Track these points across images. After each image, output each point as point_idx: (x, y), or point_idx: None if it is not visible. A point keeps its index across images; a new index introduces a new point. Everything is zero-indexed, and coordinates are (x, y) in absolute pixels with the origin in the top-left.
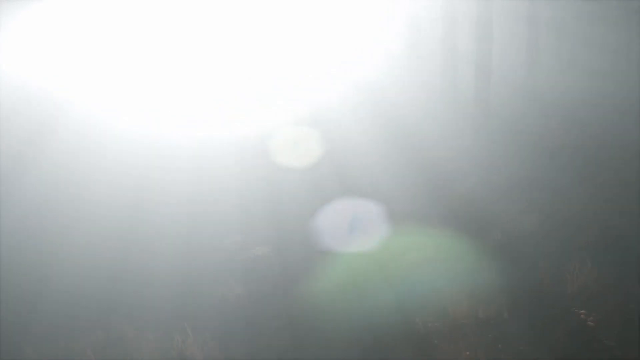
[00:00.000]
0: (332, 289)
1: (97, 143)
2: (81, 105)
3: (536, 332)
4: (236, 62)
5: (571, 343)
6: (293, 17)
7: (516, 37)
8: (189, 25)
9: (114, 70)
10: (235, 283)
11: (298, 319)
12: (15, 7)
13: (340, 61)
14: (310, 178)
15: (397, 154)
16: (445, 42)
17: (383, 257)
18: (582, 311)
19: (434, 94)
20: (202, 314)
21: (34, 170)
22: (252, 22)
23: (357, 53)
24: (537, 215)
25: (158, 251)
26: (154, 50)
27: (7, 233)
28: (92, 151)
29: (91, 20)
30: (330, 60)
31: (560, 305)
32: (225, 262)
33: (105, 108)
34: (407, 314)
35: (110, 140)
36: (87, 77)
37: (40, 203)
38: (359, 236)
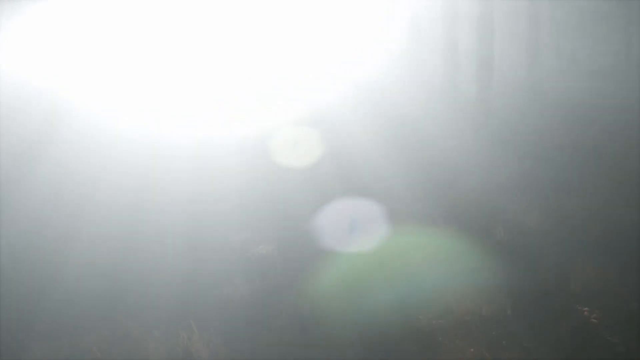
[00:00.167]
0: (336, 287)
1: (99, 143)
2: (82, 105)
3: (540, 329)
4: (236, 62)
5: (574, 340)
6: (293, 17)
7: (516, 36)
8: (190, 26)
9: (115, 70)
10: (239, 281)
11: (302, 317)
12: (15, 7)
13: (341, 61)
14: (311, 178)
15: (398, 154)
16: (446, 42)
17: (385, 256)
18: (585, 308)
19: (434, 94)
20: (207, 311)
21: (36, 170)
22: (252, 22)
23: (357, 53)
24: (538, 214)
25: (161, 250)
26: (155, 50)
27: (10, 231)
28: (93, 151)
29: (92, 20)
30: (330, 60)
31: (563, 302)
32: (228, 260)
33: (106, 108)
34: (411, 312)
35: (112, 140)
36: (88, 77)
37: (43, 202)
38: (361, 235)
